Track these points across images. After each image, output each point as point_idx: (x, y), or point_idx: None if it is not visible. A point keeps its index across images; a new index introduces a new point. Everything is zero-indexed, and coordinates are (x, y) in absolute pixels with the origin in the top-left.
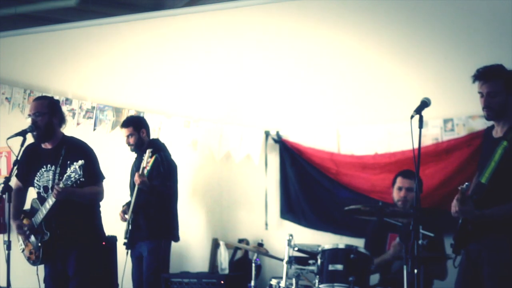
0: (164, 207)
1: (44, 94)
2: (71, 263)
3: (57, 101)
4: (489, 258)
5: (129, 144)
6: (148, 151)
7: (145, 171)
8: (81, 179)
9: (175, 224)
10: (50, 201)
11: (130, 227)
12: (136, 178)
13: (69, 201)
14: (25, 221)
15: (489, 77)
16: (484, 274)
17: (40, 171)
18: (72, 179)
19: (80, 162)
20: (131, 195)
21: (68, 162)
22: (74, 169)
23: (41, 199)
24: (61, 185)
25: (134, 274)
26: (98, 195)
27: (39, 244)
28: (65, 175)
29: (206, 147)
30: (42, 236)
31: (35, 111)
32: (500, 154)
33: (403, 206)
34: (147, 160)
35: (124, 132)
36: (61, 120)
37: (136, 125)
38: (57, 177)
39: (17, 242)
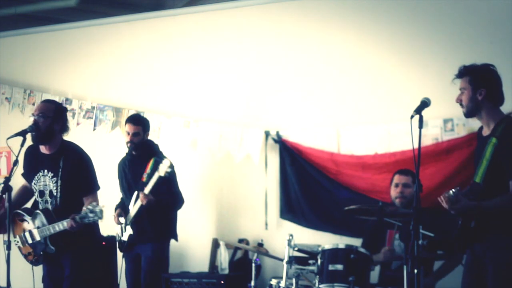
0: (169, 211)
1: (44, 94)
2: (66, 263)
3: (65, 109)
4: (493, 258)
5: (132, 142)
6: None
7: (145, 175)
8: (95, 219)
9: (176, 224)
10: (61, 226)
11: (132, 232)
12: (142, 198)
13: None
14: (26, 225)
15: (460, 74)
16: (488, 274)
17: (38, 175)
18: (90, 219)
19: (102, 206)
20: (126, 197)
21: (90, 208)
22: (94, 212)
23: (37, 204)
24: (77, 219)
25: (130, 275)
26: None
27: (41, 253)
28: (82, 212)
29: (206, 147)
30: (46, 247)
31: (40, 112)
32: (490, 151)
33: (400, 204)
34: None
35: (132, 128)
36: (63, 127)
37: (144, 125)
38: (59, 189)
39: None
